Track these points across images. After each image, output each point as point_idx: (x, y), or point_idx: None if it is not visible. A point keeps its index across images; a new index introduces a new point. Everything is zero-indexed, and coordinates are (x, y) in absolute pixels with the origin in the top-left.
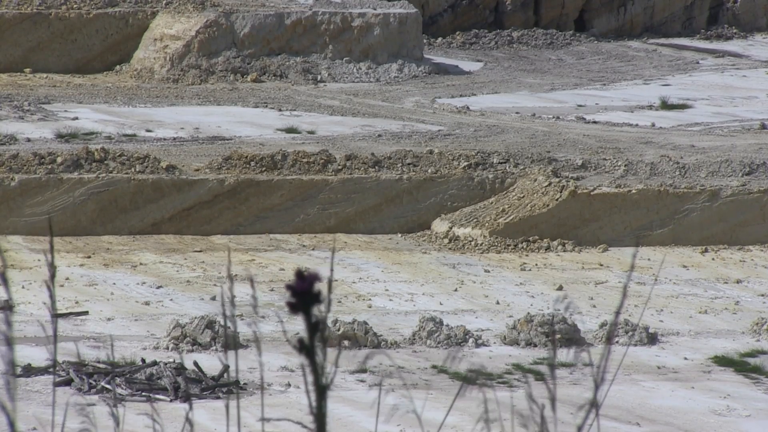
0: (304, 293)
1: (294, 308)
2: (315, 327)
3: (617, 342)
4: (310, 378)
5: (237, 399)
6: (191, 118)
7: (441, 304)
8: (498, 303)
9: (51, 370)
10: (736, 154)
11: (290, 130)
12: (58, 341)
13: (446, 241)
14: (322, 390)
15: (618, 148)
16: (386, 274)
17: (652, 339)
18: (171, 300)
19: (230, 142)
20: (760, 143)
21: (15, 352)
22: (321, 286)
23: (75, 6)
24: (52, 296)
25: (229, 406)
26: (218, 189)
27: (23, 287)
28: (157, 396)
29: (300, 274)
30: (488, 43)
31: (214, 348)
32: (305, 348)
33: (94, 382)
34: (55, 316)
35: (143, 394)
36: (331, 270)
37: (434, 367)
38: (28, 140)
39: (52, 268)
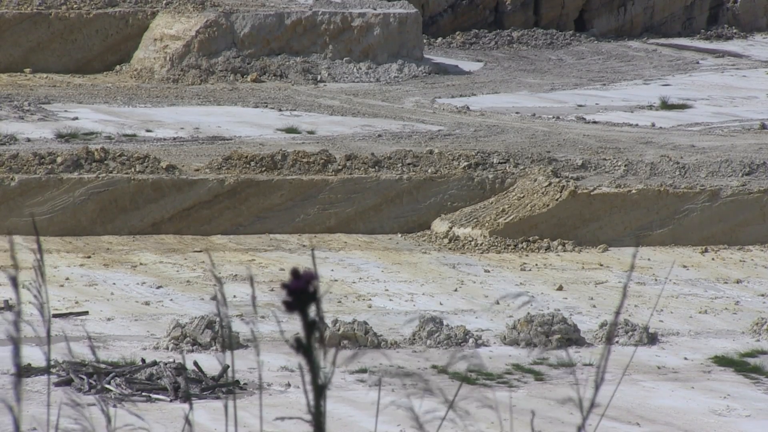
0: (300, 292)
1: (290, 307)
2: (312, 326)
3: (617, 342)
4: (308, 378)
5: (234, 399)
6: (191, 118)
7: (441, 304)
8: (498, 303)
9: (50, 370)
10: (736, 154)
11: (290, 130)
12: (58, 341)
13: (446, 241)
14: (320, 389)
15: (618, 148)
16: (386, 274)
17: (652, 339)
18: (171, 300)
19: (230, 142)
20: (760, 143)
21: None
22: (318, 285)
23: (75, 6)
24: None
25: (230, 406)
26: (218, 189)
27: (23, 287)
28: (157, 396)
29: (296, 273)
30: (488, 43)
31: (214, 348)
32: (303, 347)
33: (94, 382)
34: (55, 315)
35: (143, 394)
36: (314, 265)
37: (434, 367)
38: (28, 140)
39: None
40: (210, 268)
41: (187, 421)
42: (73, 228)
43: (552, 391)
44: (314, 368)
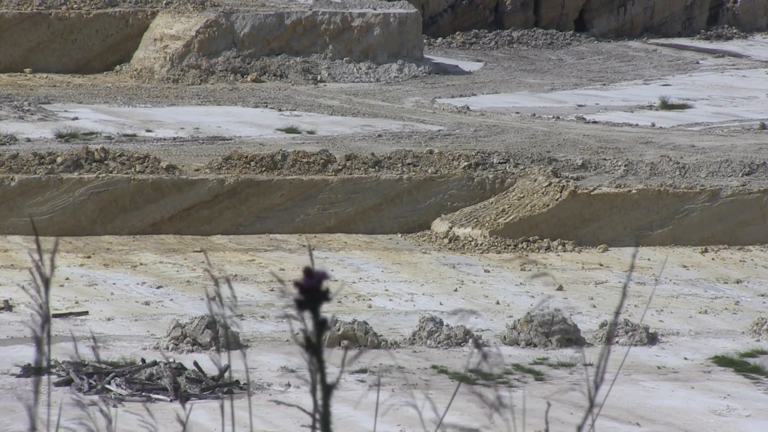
0: (311, 290)
1: (302, 306)
2: (322, 325)
3: (617, 342)
4: (309, 377)
5: (231, 399)
6: (191, 118)
7: (441, 304)
8: (498, 303)
9: (50, 370)
10: (736, 154)
11: (290, 130)
12: (58, 341)
13: (446, 241)
14: (328, 389)
15: (618, 148)
16: (386, 274)
17: (652, 339)
18: (171, 300)
19: (230, 142)
20: (760, 143)
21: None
22: (329, 285)
23: (75, 6)
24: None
25: (230, 407)
26: (218, 189)
27: (23, 287)
28: (157, 396)
29: (308, 272)
30: (488, 43)
31: (214, 348)
32: (312, 346)
33: (94, 382)
34: (55, 315)
35: (143, 394)
36: (311, 264)
37: (434, 367)
38: (28, 140)
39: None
40: (207, 268)
41: (182, 422)
42: (73, 228)
43: (552, 391)
44: (323, 368)
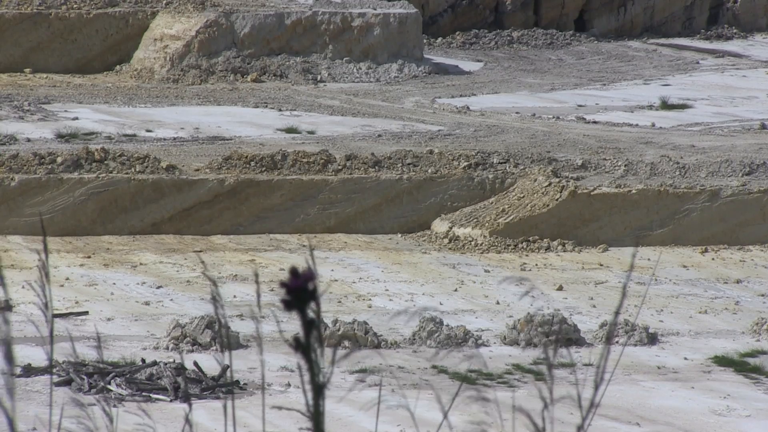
0: (298, 290)
1: (289, 306)
2: (311, 325)
3: (617, 342)
4: (307, 377)
5: (233, 399)
6: (191, 118)
7: (441, 304)
8: (498, 303)
9: (51, 370)
10: (736, 154)
11: (290, 130)
12: (58, 341)
13: (446, 241)
14: (318, 388)
15: (618, 148)
16: (386, 274)
17: (652, 339)
18: (171, 300)
19: (230, 142)
20: (760, 143)
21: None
22: (316, 284)
23: (75, 6)
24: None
25: (231, 407)
26: (218, 189)
27: (23, 287)
28: (157, 396)
29: (294, 272)
30: (488, 43)
31: (214, 348)
32: (301, 346)
33: (94, 382)
34: (55, 315)
35: (143, 394)
36: (313, 264)
37: (434, 367)
38: (28, 140)
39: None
40: (204, 271)
41: (187, 421)
42: (73, 228)
43: (552, 391)
44: (313, 367)
